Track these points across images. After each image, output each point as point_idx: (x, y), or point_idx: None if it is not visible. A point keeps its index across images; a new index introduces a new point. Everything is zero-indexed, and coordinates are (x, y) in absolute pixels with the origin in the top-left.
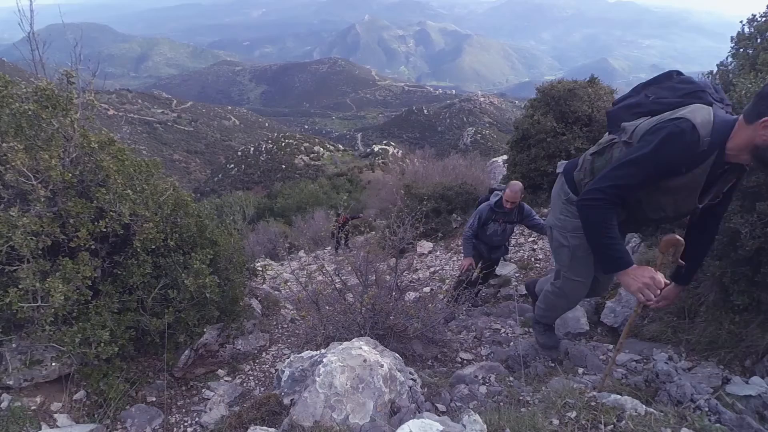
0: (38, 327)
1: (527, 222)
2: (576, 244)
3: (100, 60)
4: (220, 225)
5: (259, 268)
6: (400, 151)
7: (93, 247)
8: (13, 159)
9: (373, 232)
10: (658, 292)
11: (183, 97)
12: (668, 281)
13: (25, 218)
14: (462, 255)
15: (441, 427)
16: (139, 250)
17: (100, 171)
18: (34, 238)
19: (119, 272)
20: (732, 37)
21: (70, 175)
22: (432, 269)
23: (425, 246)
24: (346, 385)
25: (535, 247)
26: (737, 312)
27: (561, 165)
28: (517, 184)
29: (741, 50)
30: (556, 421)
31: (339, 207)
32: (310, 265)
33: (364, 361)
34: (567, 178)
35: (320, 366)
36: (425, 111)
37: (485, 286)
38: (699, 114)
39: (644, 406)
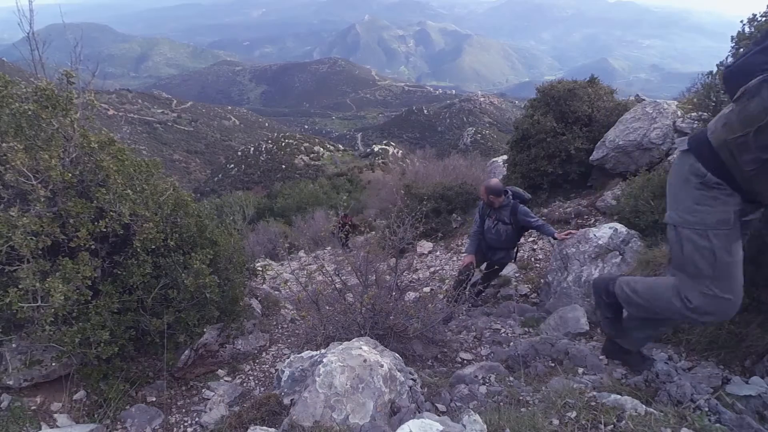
0: (38, 327)
1: (523, 224)
2: (720, 245)
3: (100, 60)
4: (220, 225)
5: (259, 268)
6: (400, 151)
7: (93, 247)
8: (13, 159)
9: (373, 232)
10: None
11: (183, 97)
12: None
13: (25, 218)
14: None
15: (441, 427)
16: (139, 250)
17: (100, 171)
18: (34, 238)
19: (119, 272)
20: (732, 36)
21: (70, 175)
22: (432, 269)
23: (425, 246)
24: (346, 385)
25: (535, 247)
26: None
27: (682, 141)
28: (487, 181)
29: (741, 50)
30: (556, 421)
31: (339, 207)
32: (310, 265)
33: (364, 361)
34: (699, 152)
35: (320, 366)
36: (425, 111)
37: (486, 286)
38: None
39: (644, 406)
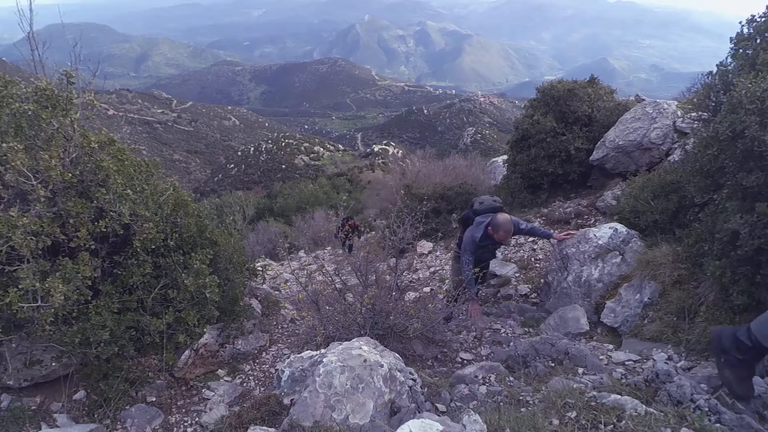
0: (38, 327)
1: (521, 234)
2: None
3: (100, 60)
4: (220, 225)
5: (259, 268)
6: (400, 151)
7: (93, 247)
8: (13, 159)
9: (373, 232)
10: None
11: (183, 97)
12: None
13: (25, 218)
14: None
15: (441, 427)
16: (139, 250)
17: (100, 171)
18: (34, 238)
19: (119, 272)
20: (731, 37)
21: (70, 175)
22: (432, 269)
23: (425, 246)
24: (346, 385)
25: (535, 247)
26: (737, 312)
27: None
28: (507, 224)
29: (740, 50)
30: (556, 421)
31: (339, 207)
32: (310, 265)
33: (364, 361)
34: None
35: (320, 366)
36: (425, 111)
37: (485, 285)
38: None
39: (644, 406)
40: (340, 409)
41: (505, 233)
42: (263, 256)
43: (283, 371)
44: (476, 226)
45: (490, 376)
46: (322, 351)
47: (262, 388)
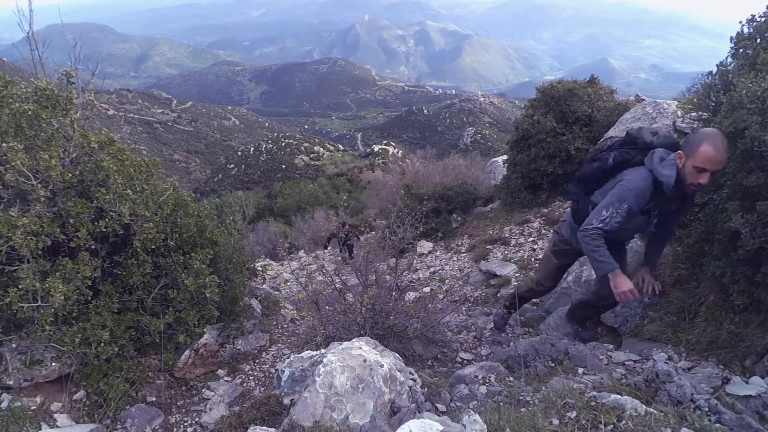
0: (38, 327)
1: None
2: None
3: (100, 60)
4: (220, 225)
5: (259, 268)
6: (400, 151)
7: (93, 247)
8: (13, 159)
9: (373, 232)
10: None
11: (183, 97)
12: None
13: (25, 218)
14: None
15: (441, 427)
16: (139, 250)
17: (100, 171)
18: (34, 238)
19: (119, 272)
20: (731, 37)
21: (70, 175)
22: (432, 269)
23: (425, 246)
24: (346, 385)
25: (535, 247)
26: (737, 312)
27: None
28: (722, 138)
29: (740, 50)
30: (556, 421)
31: (339, 207)
32: (310, 265)
33: (364, 361)
34: None
35: (320, 366)
36: (425, 111)
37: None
38: None
39: (644, 406)
40: (340, 409)
41: (716, 151)
42: (263, 256)
43: (283, 371)
44: (660, 162)
45: (490, 376)
46: (322, 351)
47: (262, 388)
